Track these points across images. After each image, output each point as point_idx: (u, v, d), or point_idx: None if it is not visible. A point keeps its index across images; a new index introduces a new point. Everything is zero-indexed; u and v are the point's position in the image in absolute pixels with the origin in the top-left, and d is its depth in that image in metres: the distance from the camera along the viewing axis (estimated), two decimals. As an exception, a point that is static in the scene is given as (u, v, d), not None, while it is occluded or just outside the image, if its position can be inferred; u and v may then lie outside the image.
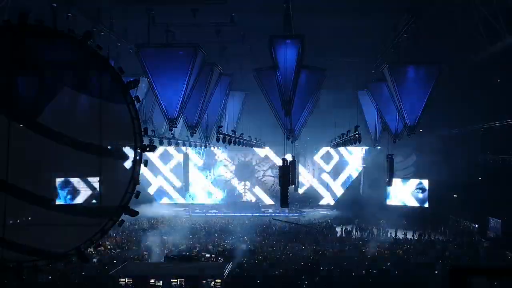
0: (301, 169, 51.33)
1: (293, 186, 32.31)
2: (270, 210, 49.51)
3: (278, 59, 21.00)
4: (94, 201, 9.80)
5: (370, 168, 48.12)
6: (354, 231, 39.10)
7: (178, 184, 52.62)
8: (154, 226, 38.79)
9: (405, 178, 46.06)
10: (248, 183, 53.38)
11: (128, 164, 9.69)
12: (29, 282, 22.28)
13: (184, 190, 50.25)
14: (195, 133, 26.80)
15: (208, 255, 29.89)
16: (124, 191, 9.51)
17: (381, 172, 38.17)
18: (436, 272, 25.22)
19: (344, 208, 47.85)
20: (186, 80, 20.96)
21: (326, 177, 53.18)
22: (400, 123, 26.43)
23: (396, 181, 41.49)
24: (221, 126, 27.86)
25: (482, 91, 35.94)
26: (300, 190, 51.28)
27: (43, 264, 9.57)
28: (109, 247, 31.54)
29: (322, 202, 52.90)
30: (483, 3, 26.43)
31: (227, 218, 45.08)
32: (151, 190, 52.95)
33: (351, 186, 52.09)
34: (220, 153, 52.68)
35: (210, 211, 50.20)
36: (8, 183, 9.11)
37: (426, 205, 44.98)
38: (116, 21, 26.93)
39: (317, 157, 53.12)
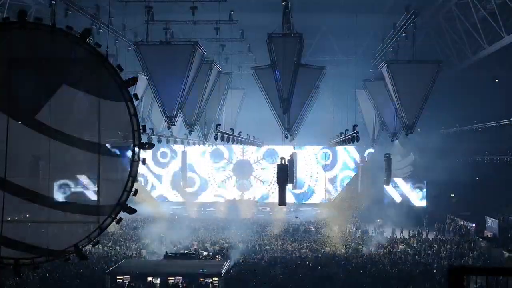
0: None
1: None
2: (268, 209, 49.49)
3: (277, 57, 20.99)
4: (92, 198, 9.77)
5: (368, 167, 48.13)
6: (352, 230, 39.09)
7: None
8: (152, 224, 38.74)
9: (403, 177, 46.08)
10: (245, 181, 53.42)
11: (126, 161, 9.68)
12: (27, 279, 22.33)
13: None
14: (194, 131, 26.80)
15: (206, 253, 29.90)
16: (122, 188, 9.51)
17: (379, 171, 38.21)
18: (434, 271, 25.27)
19: (341, 207, 47.84)
20: (185, 77, 20.95)
21: (324, 175, 53.20)
22: (398, 122, 26.44)
23: (394, 180, 41.52)
24: (220, 124, 27.84)
25: (480, 90, 36.02)
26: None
27: (41, 261, 9.56)
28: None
29: (320, 200, 52.86)
30: (482, 3, 26.49)
31: (225, 216, 45.05)
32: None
33: (349, 185, 52.07)
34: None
35: (208, 209, 50.19)
36: (6, 180, 9.10)
37: (424, 204, 45.02)
38: (115, 19, 26.94)
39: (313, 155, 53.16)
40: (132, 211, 9.68)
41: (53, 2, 20.80)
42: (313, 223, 41.25)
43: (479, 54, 30.66)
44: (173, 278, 24.32)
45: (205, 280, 24.25)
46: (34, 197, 9.48)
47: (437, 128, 41.69)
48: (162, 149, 51.10)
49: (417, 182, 45.57)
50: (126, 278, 24.26)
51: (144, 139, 9.91)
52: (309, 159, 53.20)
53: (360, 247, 31.83)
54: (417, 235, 36.41)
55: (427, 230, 37.20)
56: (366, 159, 50.02)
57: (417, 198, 45.65)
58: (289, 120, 23.12)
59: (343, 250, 30.88)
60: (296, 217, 43.96)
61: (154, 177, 53.35)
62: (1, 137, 8.99)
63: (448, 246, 31.93)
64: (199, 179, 53.39)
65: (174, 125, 22.49)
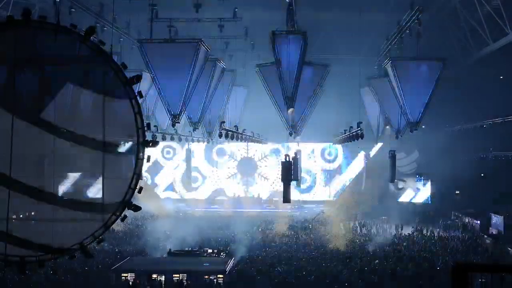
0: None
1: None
2: (272, 206, 49.48)
3: (281, 55, 20.97)
4: (97, 196, 9.79)
5: (372, 164, 48.07)
6: (357, 227, 39.08)
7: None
8: (156, 222, 38.80)
9: (408, 174, 46.00)
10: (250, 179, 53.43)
11: (130, 159, 9.69)
12: (32, 277, 22.41)
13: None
14: (198, 128, 26.79)
15: (210, 251, 29.92)
16: (127, 186, 9.53)
17: (383, 168, 38.14)
18: (438, 268, 25.24)
19: (346, 204, 47.82)
20: (189, 75, 20.94)
21: (328, 172, 53.15)
22: (403, 119, 26.38)
23: (399, 177, 41.44)
24: (224, 122, 27.84)
25: (484, 87, 35.91)
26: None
27: (46, 259, 9.60)
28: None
29: (325, 198, 52.80)
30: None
31: (229, 213, 45.07)
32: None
33: (354, 182, 52.02)
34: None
35: (212, 206, 50.24)
36: (11, 178, 9.13)
37: (429, 201, 44.97)
38: (119, 17, 26.97)
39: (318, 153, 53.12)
40: (137, 208, 9.69)
41: (57, 0, 20.85)
42: (317, 221, 41.22)
43: (483, 50, 30.56)
44: (178, 275, 24.37)
45: (210, 277, 24.29)
46: (39, 195, 9.51)
47: (442, 125, 41.60)
48: (166, 146, 51.10)
49: (421, 179, 45.51)
50: (131, 276, 24.33)
51: (148, 136, 9.90)
52: (313, 156, 53.15)
53: (365, 244, 31.79)
54: (422, 232, 36.36)
55: (431, 227, 37.15)
56: (370, 156, 49.95)
57: (422, 195, 45.60)
58: (294, 118, 23.12)
59: (348, 248, 30.84)
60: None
61: (158, 175, 53.42)
62: (6, 135, 9.02)
63: (453, 243, 31.90)
64: (203, 176, 53.44)
65: (179, 122, 22.49)
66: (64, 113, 9.64)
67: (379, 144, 41.37)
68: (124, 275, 24.42)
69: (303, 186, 51.19)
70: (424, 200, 45.36)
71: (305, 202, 51.27)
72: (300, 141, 37.36)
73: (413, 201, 45.50)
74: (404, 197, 45.91)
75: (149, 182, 51.32)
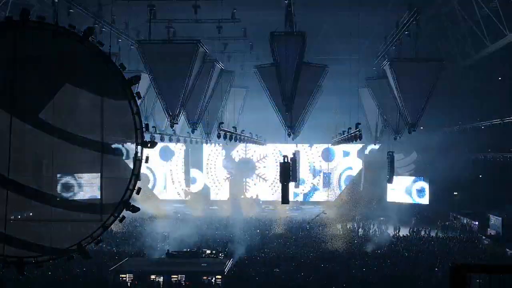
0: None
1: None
2: (271, 207, 49.45)
3: (279, 56, 20.97)
4: (95, 197, 9.79)
5: (371, 165, 48.07)
6: (355, 228, 39.07)
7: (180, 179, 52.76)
8: (155, 222, 38.77)
9: (406, 175, 46.01)
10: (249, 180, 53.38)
11: (129, 160, 9.69)
12: (31, 277, 22.38)
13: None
14: (196, 129, 26.79)
15: (208, 251, 29.91)
16: (125, 187, 9.52)
17: (381, 169, 38.16)
18: (436, 269, 25.25)
19: (344, 205, 47.85)
20: (187, 76, 20.95)
21: (327, 173, 53.11)
22: (401, 120, 26.40)
23: (397, 178, 41.46)
24: (222, 123, 27.84)
25: (483, 88, 35.93)
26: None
27: (44, 259, 9.58)
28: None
29: (323, 199, 52.80)
30: (485, 1, 26.42)
31: (228, 214, 45.02)
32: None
33: (352, 183, 52.02)
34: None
35: (210, 207, 50.18)
36: (9, 179, 9.12)
37: (427, 202, 44.98)
38: (117, 17, 26.95)
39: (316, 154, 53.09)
40: (135, 209, 9.68)
41: (56, 1, 20.84)
42: (316, 222, 41.20)
43: (482, 52, 30.58)
44: (176, 276, 24.36)
45: (208, 278, 24.28)
46: (37, 195, 9.50)
47: (440, 126, 41.61)
48: (164, 145, 51.01)
49: (419, 180, 45.53)
50: (129, 277, 24.31)
51: (147, 137, 9.90)
52: (312, 157, 53.15)
53: (362, 245, 31.80)
54: (420, 233, 36.37)
55: (429, 228, 37.17)
56: (368, 158, 49.95)
57: (420, 196, 45.60)
58: (292, 119, 23.12)
59: (346, 249, 30.84)
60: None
61: (156, 175, 53.35)
62: (5, 136, 9.01)
63: (451, 244, 31.91)
64: (201, 177, 53.37)
65: (177, 123, 22.50)
66: (62, 113, 9.63)
67: (378, 145, 41.38)
68: (122, 276, 24.40)
69: (301, 187, 51.21)
70: (423, 201, 45.34)
71: (303, 203, 51.26)
72: (299, 142, 37.37)
73: (411, 202, 45.47)
74: (402, 198, 45.89)
75: (149, 183, 51.24)
